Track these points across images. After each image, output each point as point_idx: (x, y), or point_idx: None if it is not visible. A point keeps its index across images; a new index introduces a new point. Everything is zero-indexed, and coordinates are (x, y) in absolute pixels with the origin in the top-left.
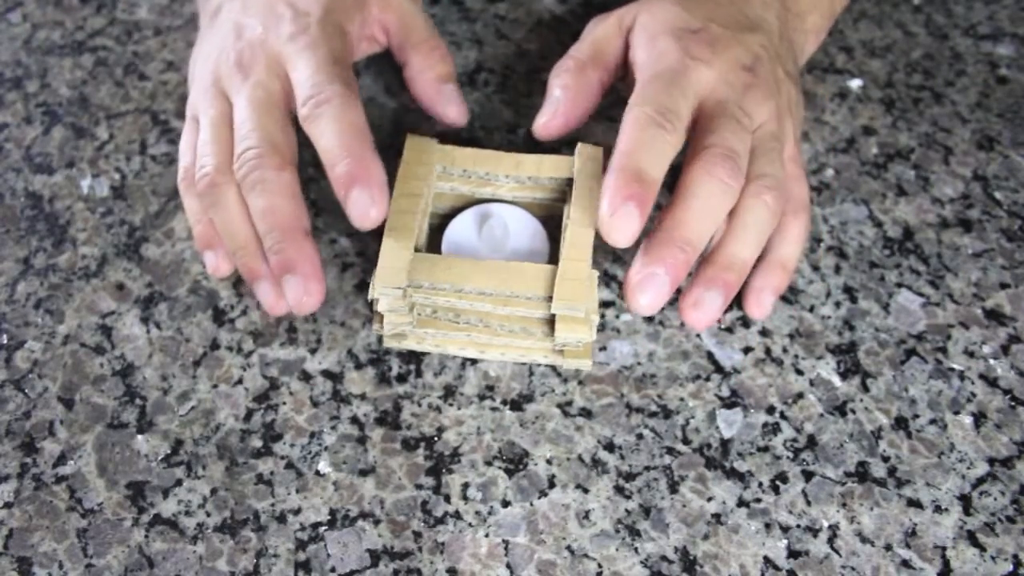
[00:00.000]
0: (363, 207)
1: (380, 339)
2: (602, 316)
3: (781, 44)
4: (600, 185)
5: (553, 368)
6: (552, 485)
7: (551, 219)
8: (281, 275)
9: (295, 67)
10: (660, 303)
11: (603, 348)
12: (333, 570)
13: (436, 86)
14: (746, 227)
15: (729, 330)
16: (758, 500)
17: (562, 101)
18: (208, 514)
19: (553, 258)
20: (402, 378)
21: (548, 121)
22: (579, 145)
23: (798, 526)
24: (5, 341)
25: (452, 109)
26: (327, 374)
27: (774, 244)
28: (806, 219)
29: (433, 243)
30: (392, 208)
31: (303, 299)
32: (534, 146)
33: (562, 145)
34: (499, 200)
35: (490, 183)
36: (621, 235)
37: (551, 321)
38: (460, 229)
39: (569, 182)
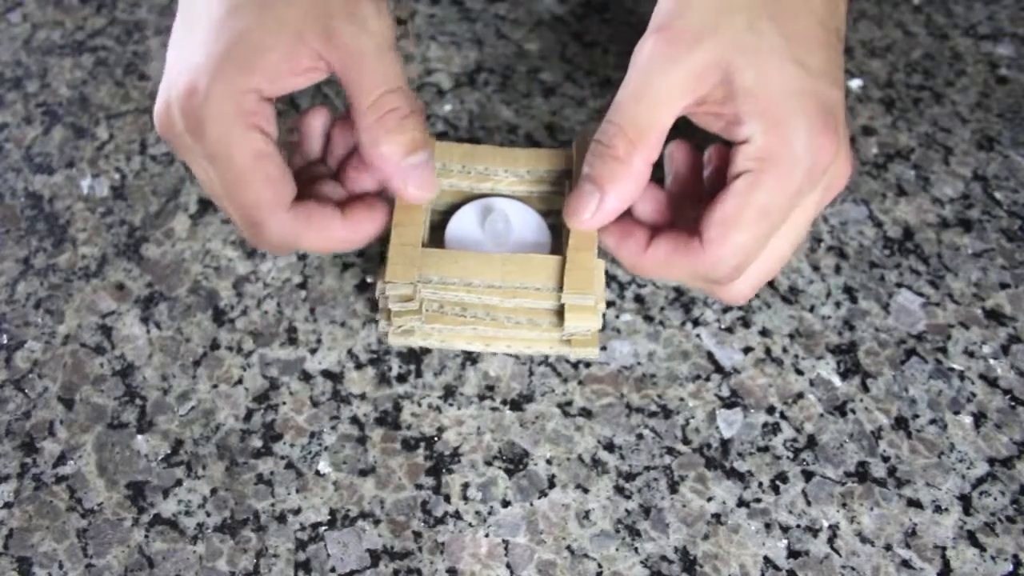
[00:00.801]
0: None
1: (381, 339)
2: (602, 316)
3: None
4: None
5: (553, 368)
6: (552, 485)
7: (550, 212)
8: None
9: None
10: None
11: (603, 348)
12: (333, 570)
13: (389, 161)
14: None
15: (729, 330)
16: (758, 500)
17: (603, 200)
18: (208, 514)
19: (556, 249)
20: (402, 378)
21: (590, 219)
22: (577, 135)
23: (798, 526)
24: (5, 341)
25: (411, 187)
26: (327, 374)
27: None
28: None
29: (434, 239)
30: (396, 205)
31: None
32: (535, 145)
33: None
34: (498, 195)
35: (489, 178)
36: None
37: (558, 312)
38: (462, 224)
39: (567, 174)
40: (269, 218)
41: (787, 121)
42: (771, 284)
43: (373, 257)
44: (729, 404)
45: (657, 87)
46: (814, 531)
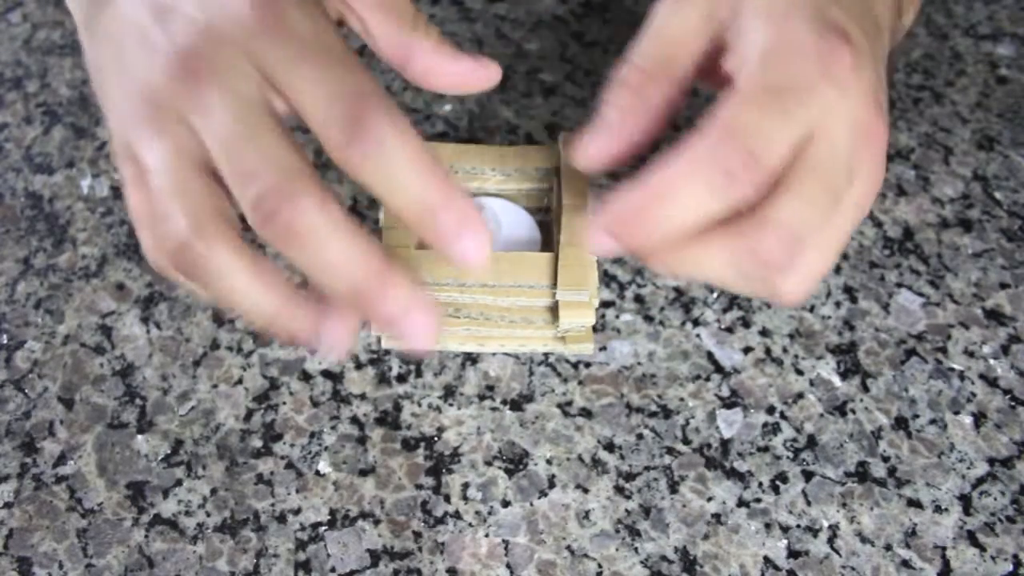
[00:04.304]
0: (474, 254)
1: (380, 340)
2: (602, 316)
3: (886, 61)
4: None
5: (553, 368)
6: (552, 485)
7: (539, 209)
8: (382, 322)
9: (283, 71)
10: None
11: (603, 348)
12: (333, 570)
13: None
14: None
15: (729, 330)
16: (758, 500)
17: (615, 125)
18: (208, 514)
19: (546, 246)
20: (402, 378)
21: (596, 146)
22: (563, 134)
23: (798, 526)
24: (5, 341)
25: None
26: (327, 374)
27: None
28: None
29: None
30: (384, 207)
31: (418, 336)
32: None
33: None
34: (487, 193)
35: (477, 177)
36: (597, 251)
37: (552, 309)
38: None
39: (555, 171)
40: (384, 101)
41: (789, 15)
42: None
43: None
44: (729, 404)
45: (672, 26)
46: (814, 531)
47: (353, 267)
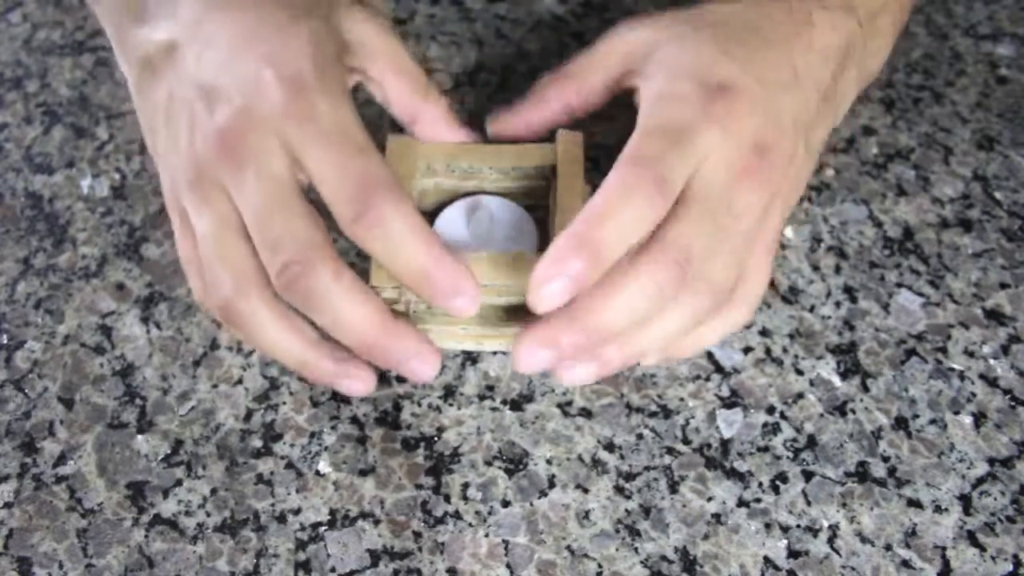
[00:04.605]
0: (466, 310)
1: None
2: None
3: (822, 106)
4: (583, 169)
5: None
6: (552, 485)
7: (537, 207)
8: (394, 367)
9: (307, 154)
10: (540, 368)
11: None
12: (333, 570)
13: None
14: (664, 323)
15: None
16: (758, 500)
17: (521, 110)
18: (208, 514)
19: (544, 245)
20: (402, 378)
21: (500, 123)
22: (559, 132)
23: (798, 526)
24: (5, 341)
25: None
26: None
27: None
28: (744, 315)
29: None
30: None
31: (426, 373)
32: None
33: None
34: (484, 192)
35: (474, 176)
36: (544, 308)
37: None
38: (448, 224)
39: (552, 169)
40: (389, 184)
41: (680, 70)
42: (771, 284)
43: (369, 257)
44: (729, 404)
45: (595, 49)
46: (814, 531)
47: (363, 325)
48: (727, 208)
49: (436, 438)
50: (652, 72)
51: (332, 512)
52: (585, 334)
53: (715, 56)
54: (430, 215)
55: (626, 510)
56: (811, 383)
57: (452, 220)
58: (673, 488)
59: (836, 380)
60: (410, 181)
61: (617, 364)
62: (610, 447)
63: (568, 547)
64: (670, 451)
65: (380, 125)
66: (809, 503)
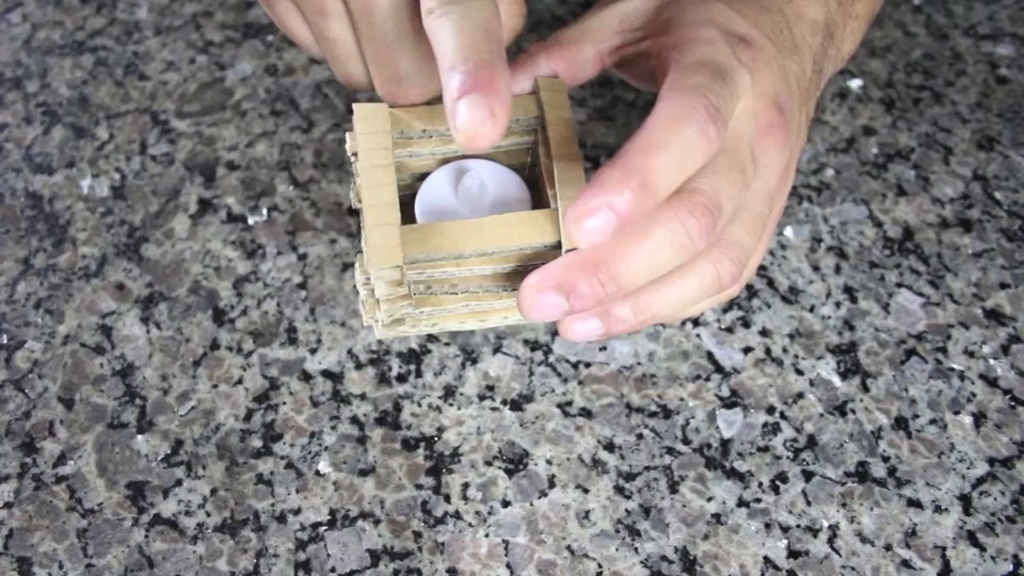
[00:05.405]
0: (477, 118)
1: (374, 331)
2: None
3: (812, 79)
4: (571, 115)
5: (553, 368)
6: (552, 485)
7: (524, 166)
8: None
9: None
10: (548, 316)
11: (603, 348)
12: (333, 570)
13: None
14: (683, 286)
15: (729, 330)
16: (758, 500)
17: (511, 71)
18: (208, 514)
19: (536, 204)
20: (402, 378)
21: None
22: (537, 78)
23: (798, 526)
24: (5, 341)
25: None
26: (327, 374)
27: None
28: (737, 289)
29: (406, 215)
30: (364, 184)
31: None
32: None
33: None
34: (464, 156)
35: (453, 139)
36: (584, 243)
37: None
38: (433, 193)
39: (536, 121)
40: None
41: (702, 26)
42: (771, 284)
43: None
44: (729, 404)
45: (589, 21)
46: (814, 531)
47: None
48: (754, 162)
49: (436, 438)
50: (666, 27)
51: (332, 512)
52: (605, 283)
53: (727, 13)
54: (406, 189)
55: (626, 510)
56: (811, 383)
57: (438, 187)
58: (673, 488)
59: (836, 380)
60: (384, 151)
61: (625, 326)
62: (610, 447)
63: (568, 547)
64: (670, 451)
65: None
66: (809, 503)
